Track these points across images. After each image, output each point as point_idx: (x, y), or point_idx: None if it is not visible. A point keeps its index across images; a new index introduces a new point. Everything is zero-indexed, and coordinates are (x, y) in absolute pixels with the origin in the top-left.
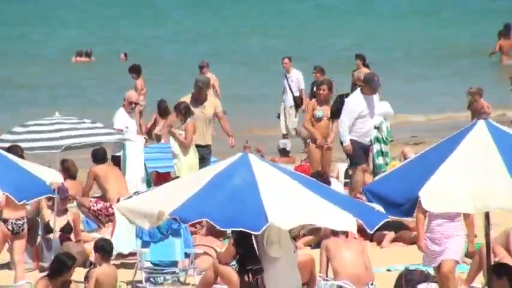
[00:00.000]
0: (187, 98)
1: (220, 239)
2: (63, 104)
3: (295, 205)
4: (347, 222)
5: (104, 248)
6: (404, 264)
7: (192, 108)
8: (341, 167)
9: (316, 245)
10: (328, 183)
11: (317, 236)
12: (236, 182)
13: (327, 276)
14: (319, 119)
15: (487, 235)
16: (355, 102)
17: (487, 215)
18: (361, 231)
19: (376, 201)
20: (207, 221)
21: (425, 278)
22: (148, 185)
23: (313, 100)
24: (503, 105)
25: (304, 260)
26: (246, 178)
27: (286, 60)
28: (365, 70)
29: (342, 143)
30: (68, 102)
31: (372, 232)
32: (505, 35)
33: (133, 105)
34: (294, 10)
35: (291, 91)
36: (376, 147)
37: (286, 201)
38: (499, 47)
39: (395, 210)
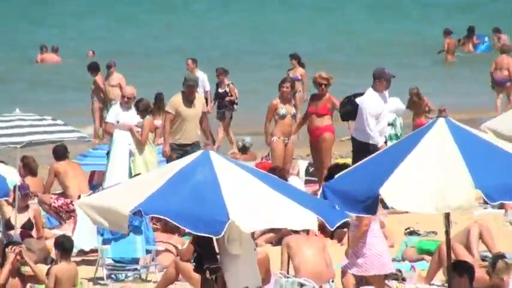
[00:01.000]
0: (177, 97)
1: (176, 234)
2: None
3: (256, 204)
4: (308, 220)
5: (63, 245)
6: None
7: (185, 108)
8: (302, 164)
9: (277, 242)
10: (284, 178)
11: (278, 233)
12: (197, 180)
13: (288, 274)
14: (283, 117)
15: (447, 233)
16: (373, 102)
17: (447, 213)
18: (322, 228)
19: (336, 199)
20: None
21: (386, 275)
22: None
23: (277, 99)
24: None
25: (259, 257)
26: (207, 175)
27: (189, 61)
28: (300, 70)
29: (374, 145)
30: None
31: (332, 229)
32: (468, 37)
33: (126, 99)
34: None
35: None
36: (389, 144)
37: (248, 200)
38: (447, 46)
39: (356, 207)
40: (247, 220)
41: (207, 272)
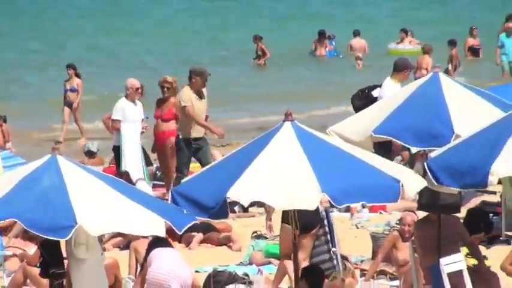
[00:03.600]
0: (188, 90)
1: (34, 242)
2: None
3: (104, 208)
4: (155, 225)
5: None
6: (213, 266)
7: (197, 101)
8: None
9: (125, 246)
10: (132, 182)
11: (125, 238)
12: (44, 185)
13: (136, 278)
14: None
15: (295, 237)
16: (393, 91)
17: (294, 218)
18: (169, 232)
19: (185, 204)
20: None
21: (233, 279)
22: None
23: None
24: None
25: (108, 263)
26: (54, 180)
27: None
28: (77, 80)
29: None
30: None
31: (180, 233)
32: (319, 40)
33: (141, 90)
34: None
35: None
36: None
37: (95, 204)
38: (260, 50)
39: (205, 213)
40: (94, 224)
41: (53, 277)
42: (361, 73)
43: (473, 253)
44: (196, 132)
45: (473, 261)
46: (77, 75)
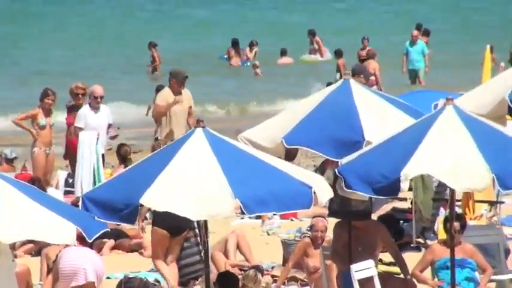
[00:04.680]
0: (166, 92)
1: None
2: None
3: (15, 214)
4: (67, 232)
5: None
6: (124, 272)
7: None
8: (61, 174)
9: (37, 252)
10: (43, 189)
11: (37, 244)
12: None
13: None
14: (42, 127)
15: (205, 243)
16: None
17: (204, 223)
18: (81, 239)
19: (95, 209)
20: None
21: (144, 285)
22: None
23: (37, 109)
24: None
25: (19, 270)
26: None
27: None
28: None
29: None
30: None
31: (90, 241)
32: (235, 50)
33: (99, 99)
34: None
35: None
36: None
37: (6, 210)
38: (157, 58)
39: (116, 217)
40: (6, 231)
41: None
42: (266, 80)
43: (397, 261)
44: (176, 135)
45: (395, 270)
46: None
